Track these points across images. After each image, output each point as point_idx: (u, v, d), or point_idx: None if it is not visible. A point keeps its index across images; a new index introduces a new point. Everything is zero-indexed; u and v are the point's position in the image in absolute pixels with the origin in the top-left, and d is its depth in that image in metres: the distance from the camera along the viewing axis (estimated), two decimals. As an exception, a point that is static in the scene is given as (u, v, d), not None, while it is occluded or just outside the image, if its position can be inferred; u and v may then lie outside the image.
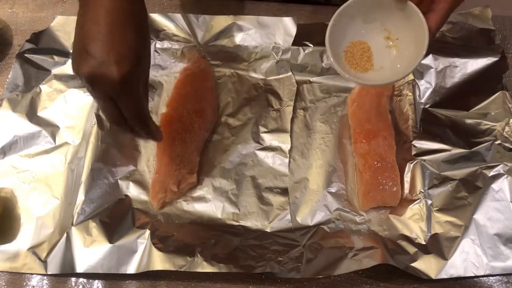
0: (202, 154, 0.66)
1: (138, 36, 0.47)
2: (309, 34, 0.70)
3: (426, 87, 0.67)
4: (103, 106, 0.49)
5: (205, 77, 0.68)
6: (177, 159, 0.62)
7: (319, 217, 0.61)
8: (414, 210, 0.59)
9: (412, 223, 0.59)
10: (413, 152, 0.63)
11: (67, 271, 0.57)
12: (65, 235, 0.59)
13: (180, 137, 0.63)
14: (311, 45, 0.70)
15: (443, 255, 0.56)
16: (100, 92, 0.47)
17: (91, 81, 0.45)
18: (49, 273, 0.57)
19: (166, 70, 0.72)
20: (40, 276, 0.58)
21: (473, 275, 0.55)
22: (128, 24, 0.46)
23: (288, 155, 0.65)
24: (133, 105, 0.48)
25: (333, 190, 0.63)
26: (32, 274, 0.58)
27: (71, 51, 0.72)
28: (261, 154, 0.65)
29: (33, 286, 0.58)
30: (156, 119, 0.68)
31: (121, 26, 0.46)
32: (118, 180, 0.64)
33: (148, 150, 0.66)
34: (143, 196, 0.63)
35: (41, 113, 0.69)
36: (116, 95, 0.46)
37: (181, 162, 0.62)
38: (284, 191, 0.63)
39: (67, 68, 0.72)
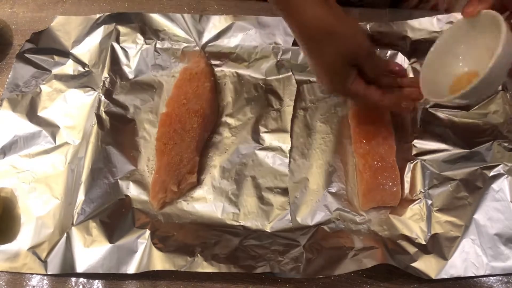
0: (202, 154, 0.66)
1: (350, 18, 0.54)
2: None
3: (426, 87, 0.67)
4: (366, 95, 0.56)
5: (205, 77, 0.68)
6: (177, 159, 0.62)
7: (319, 217, 0.61)
8: (414, 210, 0.59)
9: (412, 223, 0.59)
10: (413, 152, 0.63)
11: (67, 271, 0.57)
12: (65, 235, 0.59)
13: (180, 137, 0.63)
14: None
15: (443, 255, 0.56)
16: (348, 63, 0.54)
17: (344, 56, 0.53)
18: (49, 273, 0.57)
19: (166, 70, 0.72)
20: (40, 276, 0.58)
21: (473, 275, 0.55)
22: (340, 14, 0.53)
23: (288, 155, 0.65)
24: (378, 63, 0.57)
25: (333, 190, 0.63)
26: (32, 274, 0.58)
27: (71, 51, 0.73)
28: (261, 154, 0.65)
29: (33, 286, 0.58)
30: (156, 119, 0.68)
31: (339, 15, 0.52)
32: (118, 180, 0.64)
33: (148, 150, 0.66)
34: (143, 196, 0.63)
35: (41, 113, 0.69)
36: (367, 59, 0.54)
37: (181, 162, 0.62)
38: (284, 191, 0.63)
39: (67, 68, 0.72)
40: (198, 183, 0.64)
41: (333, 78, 0.55)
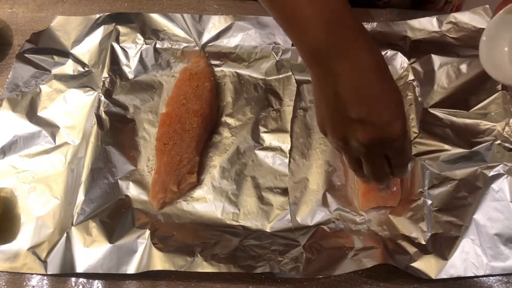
0: (202, 154, 0.66)
1: (393, 84, 0.46)
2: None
3: (426, 87, 0.67)
4: (377, 164, 0.50)
5: (205, 77, 0.68)
6: (177, 159, 0.62)
7: (319, 217, 0.61)
8: (414, 210, 0.59)
9: (412, 223, 0.59)
10: (413, 152, 0.63)
11: (67, 271, 0.57)
12: (65, 235, 0.59)
13: (180, 137, 0.63)
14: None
15: (443, 255, 0.56)
16: (378, 154, 0.48)
17: (372, 146, 0.46)
18: (49, 273, 0.57)
19: (166, 70, 0.72)
20: (40, 276, 0.58)
21: (473, 275, 0.55)
22: (383, 77, 0.46)
23: (288, 155, 0.65)
24: (406, 154, 0.50)
25: (333, 190, 0.63)
26: (32, 274, 0.58)
27: (71, 51, 0.73)
28: (261, 154, 0.65)
29: (33, 286, 0.58)
30: (156, 119, 0.68)
31: (381, 81, 0.45)
32: (118, 180, 0.64)
33: (148, 150, 0.66)
34: (143, 196, 0.63)
35: (41, 113, 0.69)
36: (394, 151, 0.48)
37: (181, 162, 0.62)
38: (284, 191, 0.63)
39: (67, 68, 0.72)
40: (198, 183, 0.64)
41: (337, 130, 0.48)
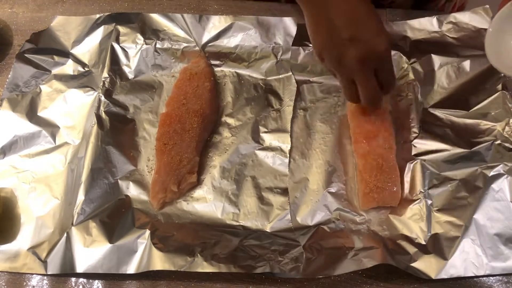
0: (202, 154, 0.66)
1: (372, 7, 0.56)
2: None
3: (426, 87, 0.67)
4: (368, 81, 0.56)
5: (204, 77, 0.68)
6: (177, 159, 0.62)
7: (319, 217, 0.61)
8: (414, 210, 0.59)
9: (412, 223, 0.59)
10: (413, 152, 0.63)
11: (67, 271, 0.57)
12: (65, 235, 0.59)
13: (180, 137, 0.63)
14: (311, 45, 0.70)
15: (443, 255, 0.56)
16: (369, 68, 0.55)
17: (363, 61, 0.54)
18: (49, 273, 0.57)
19: (166, 70, 0.72)
20: (40, 276, 0.58)
21: (473, 275, 0.55)
22: (364, 2, 0.55)
23: (288, 155, 0.65)
24: (392, 66, 0.58)
25: (333, 190, 0.63)
26: (32, 274, 0.58)
27: (71, 51, 0.73)
28: (261, 154, 0.65)
29: (33, 286, 0.58)
30: (156, 119, 0.68)
31: (364, 6, 0.55)
32: (118, 180, 0.64)
33: (148, 150, 0.66)
34: (143, 196, 0.63)
35: (41, 113, 0.69)
36: (382, 64, 0.56)
37: (181, 162, 0.62)
38: (284, 191, 0.63)
39: (67, 68, 0.72)
40: (198, 183, 0.64)
41: (332, 52, 0.56)
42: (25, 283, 0.58)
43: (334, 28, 0.54)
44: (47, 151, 0.66)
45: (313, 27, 0.58)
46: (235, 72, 0.72)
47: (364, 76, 0.56)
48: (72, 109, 0.69)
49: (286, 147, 0.65)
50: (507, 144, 0.62)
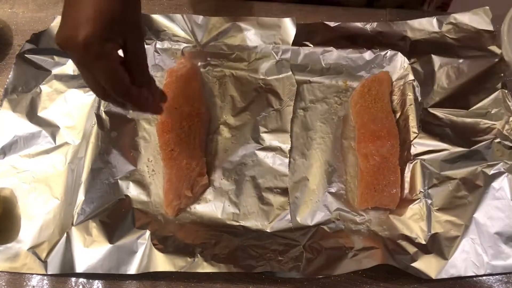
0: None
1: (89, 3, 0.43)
2: (309, 34, 0.71)
3: (426, 87, 0.67)
4: (83, 76, 0.47)
5: (191, 78, 0.68)
6: (186, 164, 0.62)
7: (319, 217, 0.61)
8: (414, 209, 0.59)
9: (412, 223, 0.59)
10: (413, 152, 0.63)
11: (67, 271, 0.57)
12: (65, 235, 0.59)
13: (183, 142, 0.63)
14: (311, 45, 0.70)
15: (444, 255, 0.56)
16: (73, 60, 0.45)
17: (61, 47, 0.43)
18: (49, 273, 0.57)
19: (166, 70, 0.72)
20: (40, 276, 0.58)
21: (473, 274, 0.55)
22: None
23: (288, 155, 0.65)
24: (105, 73, 0.44)
25: (333, 190, 0.63)
26: (32, 274, 0.58)
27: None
28: (261, 154, 0.66)
29: (33, 286, 0.58)
30: (156, 119, 0.68)
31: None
32: (118, 180, 0.64)
33: (148, 150, 0.66)
34: (143, 196, 0.63)
35: (41, 113, 0.69)
36: (86, 62, 0.44)
37: (190, 166, 0.62)
38: (284, 191, 0.63)
39: (67, 68, 0.72)
40: (210, 184, 0.64)
41: (62, 20, 0.45)
42: (25, 283, 0.58)
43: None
44: (47, 151, 0.66)
45: None
46: (235, 72, 0.72)
47: (78, 66, 0.46)
48: (72, 109, 0.69)
49: (286, 147, 0.65)
50: (507, 142, 0.62)
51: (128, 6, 0.45)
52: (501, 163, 0.60)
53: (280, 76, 0.70)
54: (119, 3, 0.44)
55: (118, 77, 0.46)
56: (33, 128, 0.67)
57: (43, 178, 0.64)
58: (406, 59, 0.69)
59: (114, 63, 0.45)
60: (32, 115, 0.68)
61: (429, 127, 0.64)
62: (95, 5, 0.42)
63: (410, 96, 0.66)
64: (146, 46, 0.71)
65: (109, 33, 0.43)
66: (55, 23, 0.75)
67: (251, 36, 0.72)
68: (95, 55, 0.43)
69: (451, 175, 0.61)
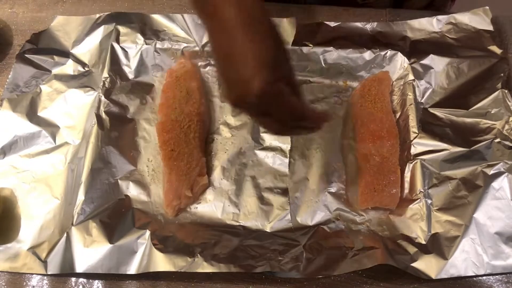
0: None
1: (259, 40, 0.44)
2: (309, 34, 0.71)
3: (426, 87, 0.67)
4: (258, 119, 0.48)
5: (191, 77, 0.68)
6: (186, 164, 0.62)
7: (319, 217, 0.61)
8: (414, 209, 0.59)
9: (412, 223, 0.59)
10: (413, 152, 0.63)
11: (67, 271, 0.57)
12: (65, 235, 0.59)
13: (183, 141, 0.63)
14: (311, 45, 0.70)
15: (444, 255, 0.56)
16: (252, 113, 0.47)
17: (238, 105, 0.45)
18: (49, 273, 0.57)
19: (166, 70, 0.72)
20: (40, 276, 0.58)
21: (473, 274, 0.55)
22: (248, 33, 0.44)
23: (288, 155, 0.65)
24: (287, 108, 0.46)
25: (333, 190, 0.63)
26: (32, 274, 0.58)
27: (71, 51, 0.73)
28: (261, 154, 0.66)
29: (33, 286, 0.58)
30: (156, 119, 0.68)
31: (244, 39, 0.43)
32: (118, 180, 0.64)
33: (148, 150, 0.66)
34: (143, 196, 0.63)
35: (41, 113, 0.69)
36: (266, 109, 0.45)
37: (190, 166, 0.62)
38: (284, 191, 0.63)
39: (67, 68, 0.72)
40: (209, 184, 0.64)
41: (229, 83, 0.46)
42: (25, 283, 0.58)
43: (215, 62, 0.47)
44: (47, 151, 0.66)
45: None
46: (235, 72, 0.72)
47: (252, 117, 0.49)
48: (72, 109, 0.69)
49: (286, 147, 0.65)
50: (507, 142, 0.62)
51: (277, 43, 0.46)
52: (501, 163, 0.60)
53: (280, 76, 0.70)
54: (272, 45, 0.45)
55: (298, 105, 0.48)
56: (33, 128, 0.67)
57: (43, 178, 0.64)
58: (406, 59, 0.69)
59: (289, 96, 0.46)
60: (32, 115, 0.68)
61: (429, 127, 0.64)
62: (255, 57, 0.43)
63: (410, 96, 0.66)
64: (145, 46, 0.72)
65: (275, 74, 0.44)
66: (55, 23, 0.75)
67: (251, 36, 0.71)
68: (275, 98, 0.44)
69: (451, 175, 0.61)
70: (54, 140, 0.67)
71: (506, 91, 0.65)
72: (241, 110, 0.46)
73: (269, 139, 0.66)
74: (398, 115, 0.67)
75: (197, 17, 0.47)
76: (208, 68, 0.72)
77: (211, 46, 0.47)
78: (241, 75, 0.43)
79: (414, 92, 0.66)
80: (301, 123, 0.49)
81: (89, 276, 0.58)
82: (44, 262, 0.58)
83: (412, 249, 0.56)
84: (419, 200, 0.60)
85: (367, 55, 0.70)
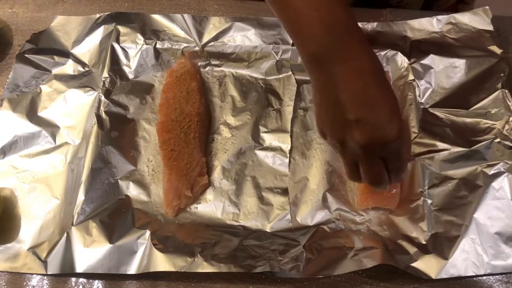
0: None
1: (390, 89, 0.49)
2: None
3: (426, 87, 0.67)
4: (373, 167, 0.51)
5: (190, 77, 0.68)
6: (186, 163, 0.62)
7: (319, 217, 0.61)
8: (414, 209, 0.59)
9: (412, 223, 0.59)
10: (413, 152, 0.63)
11: (67, 271, 0.57)
12: (65, 235, 0.59)
13: (183, 141, 0.63)
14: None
15: (444, 255, 0.56)
16: (374, 155, 0.49)
17: (367, 148, 0.48)
18: (49, 273, 0.57)
19: (166, 70, 0.72)
20: (40, 276, 0.58)
21: (473, 274, 0.55)
22: (381, 82, 0.48)
23: (288, 155, 0.65)
24: (402, 158, 0.52)
25: (333, 190, 0.63)
26: (32, 274, 0.58)
27: (71, 51, 0.73)
28: (261, 154, 0.66)
29: (33, 286, 0.58)
30: (156, 119, 0.68)
31: (378, 85, 0.48)
32: (118, 180, 0.64)
33: (148, 150, 0.66)
34: (143, 196, 0.63)
35: (41, 113, 0.69)
36: (390, 153, 0.49)
37: (190, 166, 0.62)
38: (284, 191, 0.63)
39: (67, 68, 0.72)
40: (210, 184, 0.64)
41: (335, 131, 0.50)
42: (25, 283, 0.58)
43: (340, 106, 0.47)
44: (47, 151, 0.66)
45: (318, 100, 0.51)
46: (235, 72, 0.72)
47: (368, 162, 0.51)
48: (72, 109, 0.69)
49: (286, 147, 0.65)
50: (507, 142, 0.62)
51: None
52: (501, 163, 0.60)
53: (280, 76, 0.70)
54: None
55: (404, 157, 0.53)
56: (33, 128, 0.67)
57: (43, 178, 0.64)
58: (406, 59, 0.69)
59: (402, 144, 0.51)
60: (32, 115, 0.68)
61: (429, 127, 0.64)
62: (390, 103, 0.48)
63: (410, 96, 0.66)
64: (145, 46, 0.72)
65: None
66: (55, 23, 0.75)
67: (251, 36, 0.72)
68: (401, 144, 0.50)
69: (451, 175, 0.60)
70: (54, 140, 0.67)
71: (506, 91, 0.65)
72: (347, 151, 0.50)
73: (269, 139, 0.66)
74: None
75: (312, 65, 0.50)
76: (208, 68, 0.72)
77: (337, 91, 0.48)
78: (381, 117, 0.47)
79: (414, 92, 0.66)
80: (398, 176, 0.54)
81: (89, 276, 0.58)
82: (44, 262, 0.58)
83: (412, 249, 0.56)
84: (419, 200, 0.59)
85: (367, 55, 0.70)
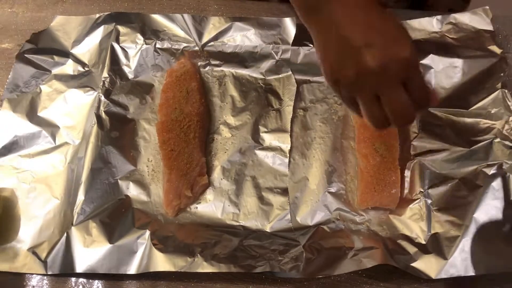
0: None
1: (390, 13, 0.47)
2: (309, 34, 0.70)
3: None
4: (396, 95, 0.46)
5: (190, 78, 0.68)
6: (186, 163, 0.62)
7: (319, 217, 0.61)
8: (414, 209, 0.59)
9: (412, 222, 0.59)
10: (413, 152, 0.63)
11: (67, 271, 0.57)
12: (65, 235, 0.59)
13: (183, 141, 0.63)
14: (311, 45, 0.70)
15: (443, 255, 0.56)
16: (394, 78, 0.45)
17: (384, 69, 0.44)
18: (49, 273, 0.57)
19: (166, 70, 0.72)
20: (40, 276, 0.58)
21: (473, 274, 0.55)
22: (377, 9, 0.47)
23: (288, 155, 0.65)
24: (423, 81, 0.47)
25: (333, 190, 0.63)
26: (32, 274, 0.58)
27: (71, 51, 0.73)
28: (261, 154, 0.66)
29: (33, 286, 0.58)
30: (156, 119, 0.68)
31: (378, 12, 0.47)
32: (118, 180, 0.64)
33: (148, 150, 0.66)
34: (143, 196, 0.63)
35: (41, 113, 0.69)
36: (409, 75, 0.46)
37: (190, 166, 0.62)
38: (284, 191, 0.63)
39: (67, 68, 0.72)
40: (210, 184, 0.64)
41: (347, 65, 0.46)
42: (25, 283, 0.58)
43: (346, 39, 0.46)
44: (47, 151, 0.66)
45: (322, 44, 0.49)
46: (235, 72, 0.72)
47: (389, 87, 0.46)
48: (72, 109, 0.69)
49: (286, 147, 0.65)
50: (507, 142, 0.62)
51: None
52: (501, 163, 0.60)
53: (280, 76, 0.70)
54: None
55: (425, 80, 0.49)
56: (33, 128, 0.67)
57: (43, 178, 0.64)
58: (406, 59, 0.69)
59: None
60: (32, 115, 0.68)
61: (429, 127, 0.64)
62: (399, 29, 0.47)
63: (410, 96, 0.66)
64: (145, 46, 0.72)
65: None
66: (55, 23, 0.75)
67: (251, 36, 0.72)
68: (418, 62, 0.47)
69: (451, 175, 0.61)
70: (54, 140, 0.67)
71: (506, 91, 0.65)
72: (358, 87, 0.47)
73: (269, 139, 0.66)
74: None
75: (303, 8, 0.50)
76: (207, 68, 0.72)
77: (339, 26, 0.46)
78: (390, 36, 0.45)
79: (414, 92, 0.66)
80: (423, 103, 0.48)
81: (89, 276, 0.58)
82: (44, 262, 0.58)
83: (412, 249, 0.56)
84: (419, 200, 0.60)
85: (367, 55, 0.70)
